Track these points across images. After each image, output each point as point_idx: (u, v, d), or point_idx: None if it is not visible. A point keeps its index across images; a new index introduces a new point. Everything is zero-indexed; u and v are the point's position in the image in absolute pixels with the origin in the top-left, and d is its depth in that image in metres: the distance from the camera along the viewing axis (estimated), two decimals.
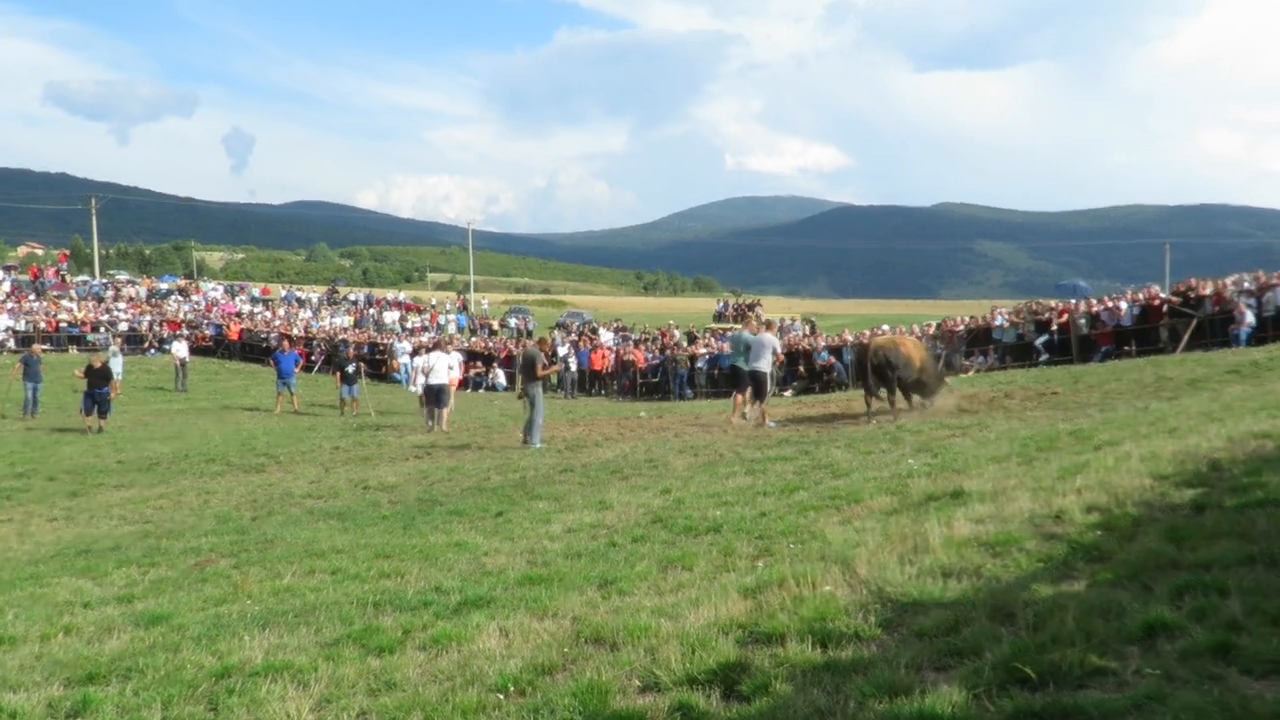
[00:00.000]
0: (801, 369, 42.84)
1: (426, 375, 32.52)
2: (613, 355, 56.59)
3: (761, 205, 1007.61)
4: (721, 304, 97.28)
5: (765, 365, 25.99)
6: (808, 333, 54.87)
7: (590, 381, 56.36)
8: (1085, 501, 10.37)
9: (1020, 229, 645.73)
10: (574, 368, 55.08)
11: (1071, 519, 9.85)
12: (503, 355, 60.58)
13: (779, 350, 28.33)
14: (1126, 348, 38.05)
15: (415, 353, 52.92)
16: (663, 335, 62.25)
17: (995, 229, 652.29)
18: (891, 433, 20.26)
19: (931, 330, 41.04)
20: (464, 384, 50.17)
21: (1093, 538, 9.16)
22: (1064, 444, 14.94)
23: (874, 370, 24.92)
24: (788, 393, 39.11)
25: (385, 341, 65.19)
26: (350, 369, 43.24)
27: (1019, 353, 40.88)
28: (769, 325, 35.49)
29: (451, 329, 78.24)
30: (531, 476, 19.08)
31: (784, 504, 13.17)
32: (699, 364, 49.45)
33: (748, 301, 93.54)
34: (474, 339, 71.65)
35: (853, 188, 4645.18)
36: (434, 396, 32.11)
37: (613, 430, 27.42)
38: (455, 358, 33.78)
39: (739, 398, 26.70)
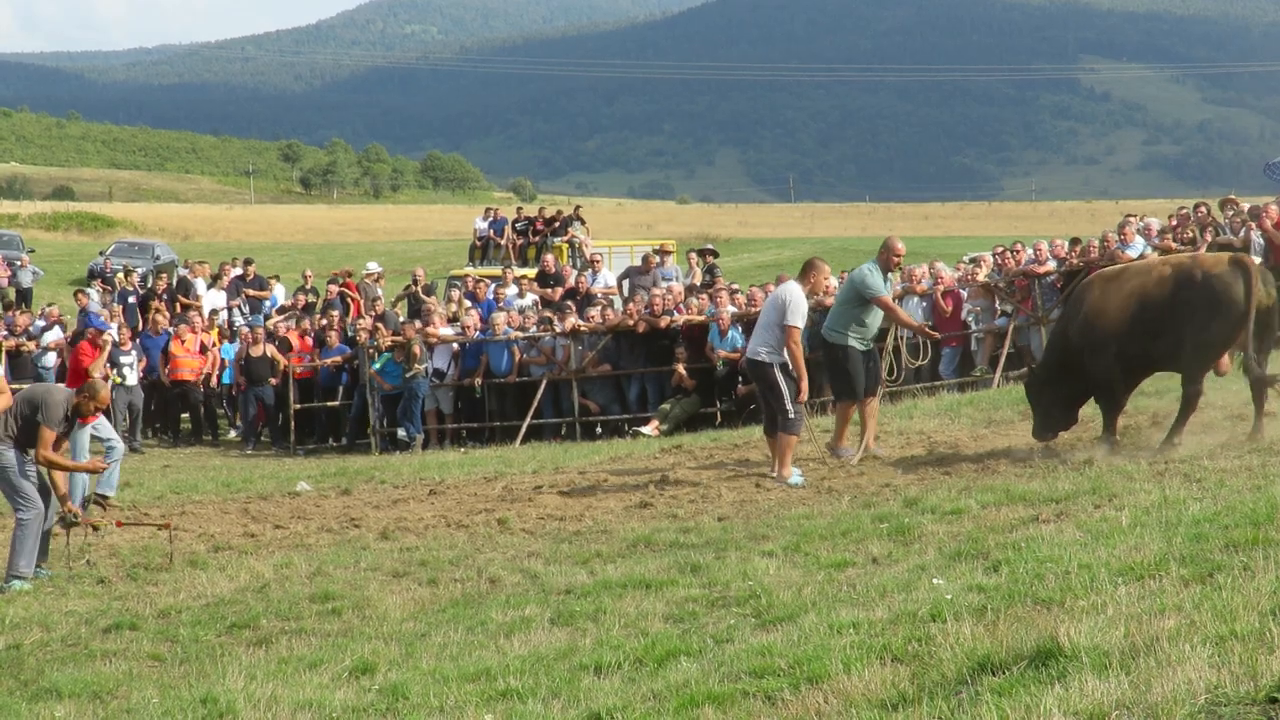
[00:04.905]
0: (683, 370, 22.47)
1: None
2: (230, 348, 27.00)
3: None
4: (490, 220, 41.57)
5: (767, 351, 13.91)
6: (698, 282, 28.10)
7: (169, 411, 27.20)
8: None
9: (1181, 36, 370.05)
10: (133, 377, 24.83)
11: None
12: None
13: (793, 314, 13.91)
14: None
15: None
16: (350, 298, 29.54)
17: (1125, 36, 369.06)
18: (894, 516, 10.65)
19: (982, 275, 23.32)
20: None
21: None
22: None
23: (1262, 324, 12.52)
24: (647, 428, 21.77)
25: None
26: None
27: None
28: (805, 274, 14.48)
29: None
30: (35, 644, 9.89)
31: (643, 692, 6.60)
32: (438, 364, 24.56)
33: (558, 213, 42.75)
34: None
35: None
36: None
37: (230, 526, 14.33)
38: None
39: (850, 411, 14.88)
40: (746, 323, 22.07)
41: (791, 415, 13.67)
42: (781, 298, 13.89)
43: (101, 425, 15.04)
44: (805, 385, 13.69)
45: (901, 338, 16.28)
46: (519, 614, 8.92)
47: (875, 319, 14.80)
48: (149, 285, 34.78)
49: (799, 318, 13.79)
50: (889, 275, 15.23)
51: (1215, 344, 12.60)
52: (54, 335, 26.94)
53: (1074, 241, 24.25)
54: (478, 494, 15.22)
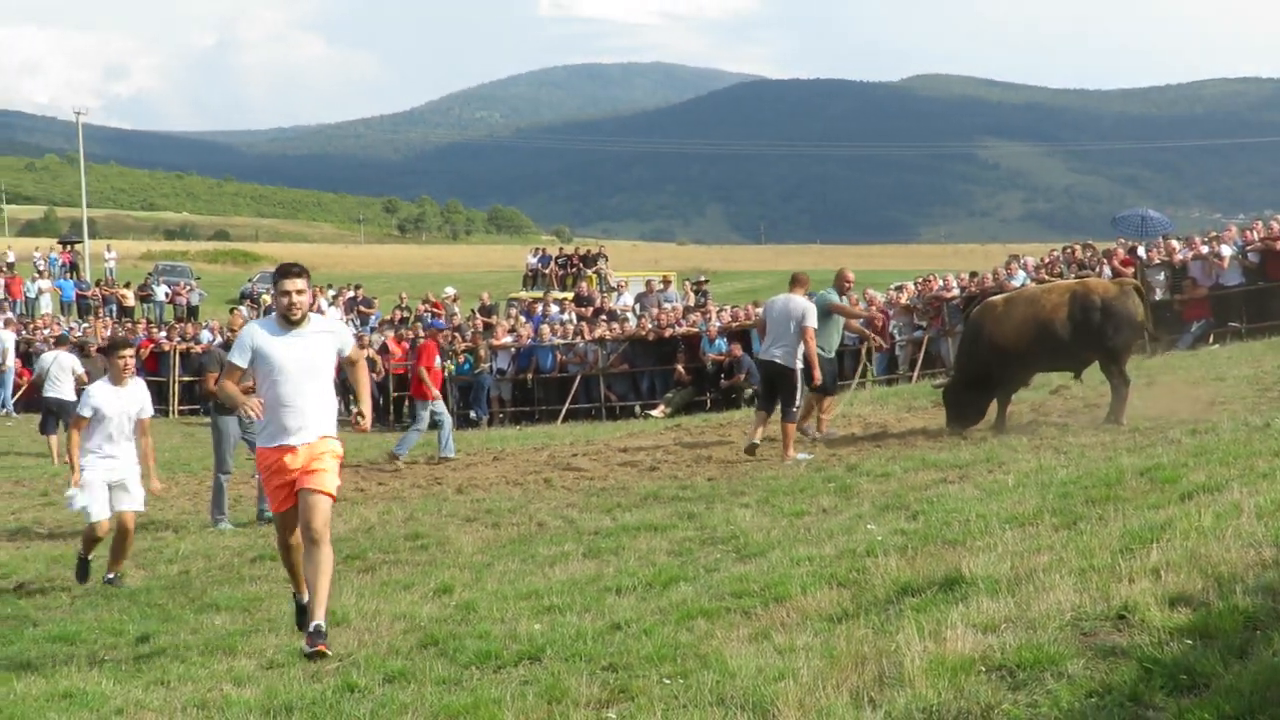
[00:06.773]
0: (682, 368, 22.67)
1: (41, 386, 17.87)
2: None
3: (606, 79, 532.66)
4: (538, 256, 41.07)
5: (785, 354, 12.85)
6: (692, 302, 28.98)
7: None
8: (1167, 590, 5.12)
9: (1051, 121, 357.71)
10: None
11: (1144, 619, 4.84)
12: (146, 354, 27.29)
13: (811, 318, 12.93)
14: (1234, 323, 20.17)
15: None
16: (434, 312, 30.53)
17: (1010, 121, 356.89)
18: (839, 478, 10.59)
19: (904, 299, 23.40)
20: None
21: (1180, 651, 4.46)
22: (1131, 491, 7.66)
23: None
24: (655, 411, 21.53)
25: None
26: None
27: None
28: (797, 283, 13.40)
29: (47, 307, 36.48)
30: (200, 570, 9.95)
31: (652, 608, 6.63)
32: (498, 364, 24.54)
33: (589, 252, 41.11)
34: (90, 325, 30.97)
35: (767, 49, 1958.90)
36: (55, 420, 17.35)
37: (345, 483, 11.25)
38: (66, 361, 17.52)
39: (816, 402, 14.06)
40: (729, 334, 22.49)
41: (797, 408, 12.94)
42: (793, 308, 12.84)
43: (439, 405, 16.26)
44: (817, 374, 12.84)
45: (870, 350, 16.24)
46: (560, 550, 8.90)
47: (834, 334, 14.38)
48: None
49: (814, 319, 12.90)
50: (843, 298, 14.81)
51: (1126, 347, 12.38)
52: (206, 338, 27.79)
53: (972, 274, 24.30)
54: (529, 460, 15.18)
